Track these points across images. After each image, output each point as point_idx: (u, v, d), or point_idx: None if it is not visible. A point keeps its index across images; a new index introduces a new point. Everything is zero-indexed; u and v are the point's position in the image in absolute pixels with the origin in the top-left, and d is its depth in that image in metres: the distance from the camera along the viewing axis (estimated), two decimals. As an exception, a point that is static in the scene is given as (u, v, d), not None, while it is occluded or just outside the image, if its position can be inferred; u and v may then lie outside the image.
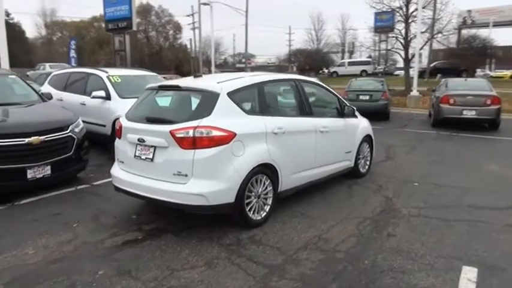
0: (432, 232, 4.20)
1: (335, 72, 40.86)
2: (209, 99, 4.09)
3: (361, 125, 6.31)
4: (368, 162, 6.61)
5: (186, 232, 4.19)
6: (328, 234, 4.16)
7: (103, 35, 58.72)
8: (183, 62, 62.11)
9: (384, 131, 11.52)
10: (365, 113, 13.22)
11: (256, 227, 4.28)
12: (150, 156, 4.11)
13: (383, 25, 33.71)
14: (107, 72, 8.42)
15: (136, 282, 3.18)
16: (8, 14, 54.79)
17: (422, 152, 8.69)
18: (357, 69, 39.26)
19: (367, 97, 13.45)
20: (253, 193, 4.25)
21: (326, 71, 44.67)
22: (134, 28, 28.83)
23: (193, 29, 62.54)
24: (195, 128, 3.84)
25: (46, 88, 9.85)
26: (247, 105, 4.41)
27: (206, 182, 3.87)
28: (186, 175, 3.89)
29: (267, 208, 4.46)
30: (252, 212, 4.26)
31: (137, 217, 4.63)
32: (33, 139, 5.16)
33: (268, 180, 4.43)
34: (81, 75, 8.96)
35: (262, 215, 4.39)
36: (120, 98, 7.56)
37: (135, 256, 3.66)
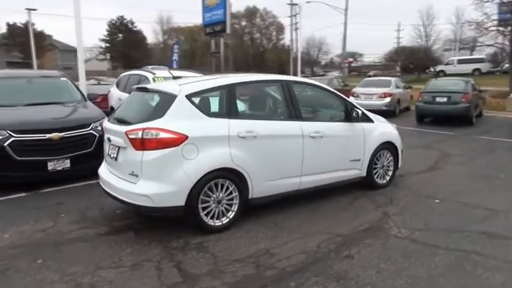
0: (401, 259, 3.58)
1: (442, 71, 37.06)
2: (166, 101, 4.09)
3: (378, 130, 5.65)
4: (390, 173, 5.89)
5: (148, 231, 4.27)
6: (282, 248, 3.83)
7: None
8: (284, 62, 62.90)
9: (454, 138, 10.18)
10: (442, 117, 11.92)
11: (215, 232, 4.16)
12: (115, 156, 4.28)
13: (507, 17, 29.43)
14: (154, 74, 9.00)
15: (55, 275, 3.34)
16: (132, 23, 61.84)
17: (479, 163, 7.42)
18: (468, 67, 35.04)
19: (445, 99, 11.95)
20: (211, 198, 4.14)
21: (432, 69, 40.87)
22: (228, 31, 30.19)
23: (295, 29, 63.02)
24: (143, 129, 3.89)
25: (113, 89, 10.94)
26: (211, 108, 4.30)
27: (152, 184, 3.89)
28: (137, 175, 3.97)
29: (231, 214, 4.30)
30: (209, 217, 4.15)
31: (120, 213, 4.85)
32: (53, 135, 5.77)
33: (233, 186, 4.26)
34: (137, 77, 9.71)
35: (224, 221, 4.24)
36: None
37: (80, 249, 3.86)
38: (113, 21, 60.02)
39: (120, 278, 3.30)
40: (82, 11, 10.29)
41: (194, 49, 66.58)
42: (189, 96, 4.11)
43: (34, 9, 38.56)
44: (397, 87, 15.21)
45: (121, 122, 4.34)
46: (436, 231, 4.22)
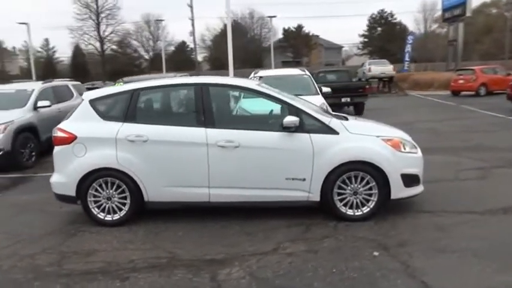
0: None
1: None
2: (78, 105, 4.74)
3: (342, 145, 4.27)
4: (371, 204, 4.36)
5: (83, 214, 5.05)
6: (112, 253, 3.89)
7: (489, 20, 53.35)
8: None
9: None
10: None
11: (108, 225, 4.53)
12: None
13: None
14: (257, 72, 9.45)
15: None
16: (392, 15, 60.67)
17: None
18: None
19: None
20: (102, 194, 4.53)
21: None
22: (468, 14, 25.97)
23: None
24: (55, 128, 4.71)
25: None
26: (110, 112, 4.61)
27: (55, 174, 4.68)
28: (56, 167, 4.85)
29: (122, 213, 4.55)
30: (99, 210, 4.55)
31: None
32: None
33: (124, 186, 4.49)
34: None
35: (115, 218, 4.56)
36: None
37: (25, 218, 5.01)
38: (373, 16, 60.58)
39: (-10, 244, 4.29)
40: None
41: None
42: (92, 101, 4.61)
43: (274, 16, 43.62)
44: None
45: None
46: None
